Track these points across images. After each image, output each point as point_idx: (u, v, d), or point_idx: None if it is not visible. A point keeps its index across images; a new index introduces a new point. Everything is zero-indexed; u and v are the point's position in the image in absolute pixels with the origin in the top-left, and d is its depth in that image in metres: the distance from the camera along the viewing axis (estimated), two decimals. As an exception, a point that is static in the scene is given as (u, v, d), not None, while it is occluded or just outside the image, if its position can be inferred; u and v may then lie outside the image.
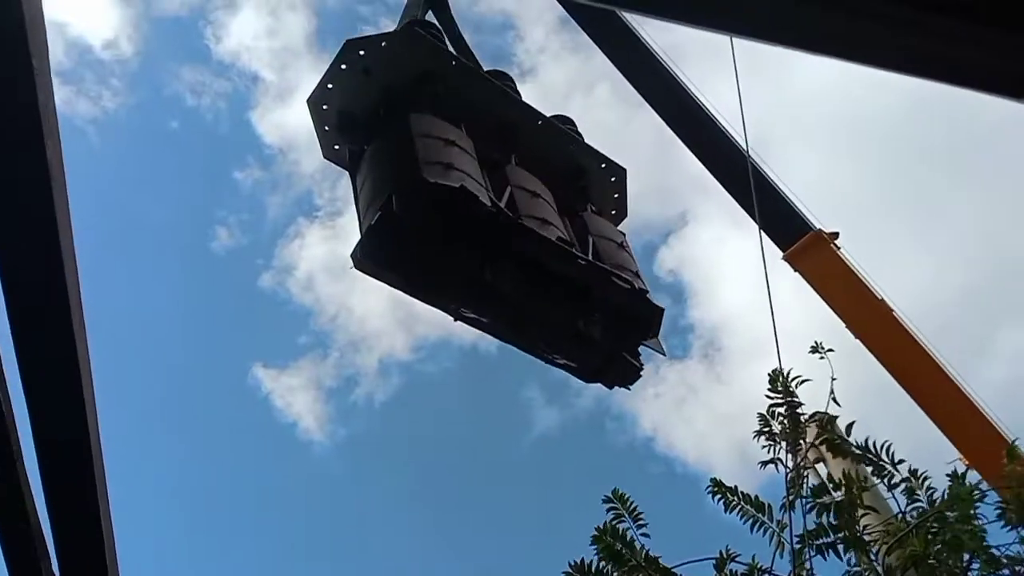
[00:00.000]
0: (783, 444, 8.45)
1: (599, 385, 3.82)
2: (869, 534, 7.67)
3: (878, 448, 8.05)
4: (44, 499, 1.87)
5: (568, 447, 25.98)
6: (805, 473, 8.07)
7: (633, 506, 7.82)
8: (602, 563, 7.39)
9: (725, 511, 8.06)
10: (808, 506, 7.51)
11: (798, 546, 7.41)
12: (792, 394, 8.55)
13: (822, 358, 8.81)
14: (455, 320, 2.94)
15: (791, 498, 7.75)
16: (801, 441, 8.23)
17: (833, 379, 8.56)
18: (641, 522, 7.73)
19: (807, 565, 7.35)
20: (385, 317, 25.79)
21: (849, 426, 8.31)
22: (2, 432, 1.92)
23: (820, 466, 9.02)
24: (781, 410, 8.59)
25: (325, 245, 21.43)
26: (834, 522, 7.43)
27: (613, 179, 3.88)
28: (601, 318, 3.12)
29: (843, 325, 9.33)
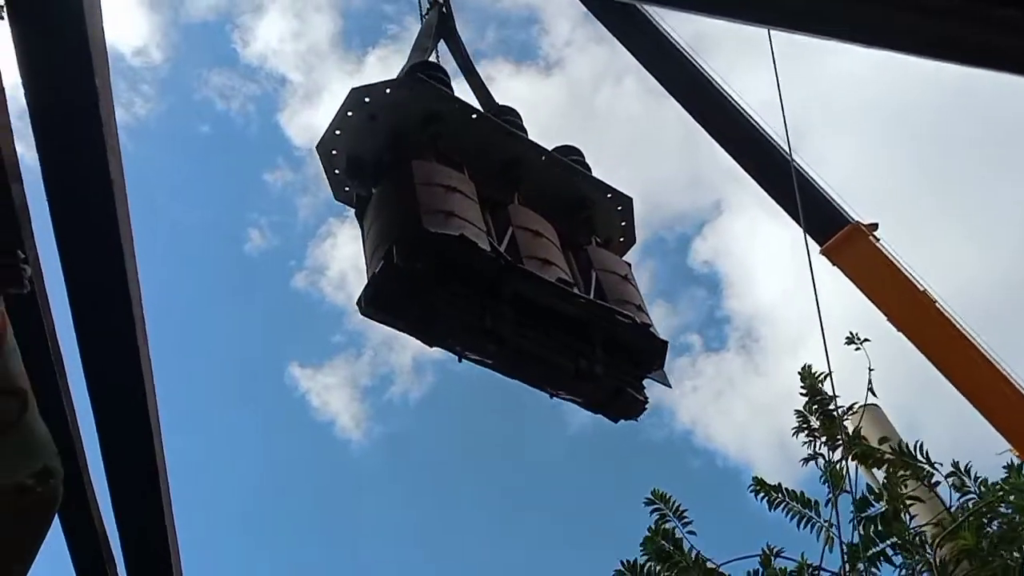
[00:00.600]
0: (822, 440, 8.39)
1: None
2: (919, 532, 7.57)
3: (913, 450, 7.94)
4: (110, 505, 1.93)
5: (605, 443, 25.83)
6: (848, 465, 7.99)
7: (676, 505, 7.81)
8: (651, 563, 7.40)
9: (770, 509, 8.01)
10: (854, 520, 7.45)
11: (846, 555, 7.34)
12: (821, 392, 8.47)
13: (858, 349, 8.73)
14: (460, 361, 3.00)
15: (836, 494, 7.68)
16: (841, 436, 8.16)
17: (871, 370, 8.46)
18: (686, 520, 7.72)
19: (859, 568, 7.28)
20: None
21: (882, 439, 8.20)
22: (67, 442, 1.99)
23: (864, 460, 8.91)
24: (816, 407, 8.52)
25: (356, 244, 21.44)
26: (881, 529, 7.36)
27: (619, 208, 3.90)
28: (603, 354, 3.15)
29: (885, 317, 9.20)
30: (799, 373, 8.76)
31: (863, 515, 7.40)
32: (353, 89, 3.30)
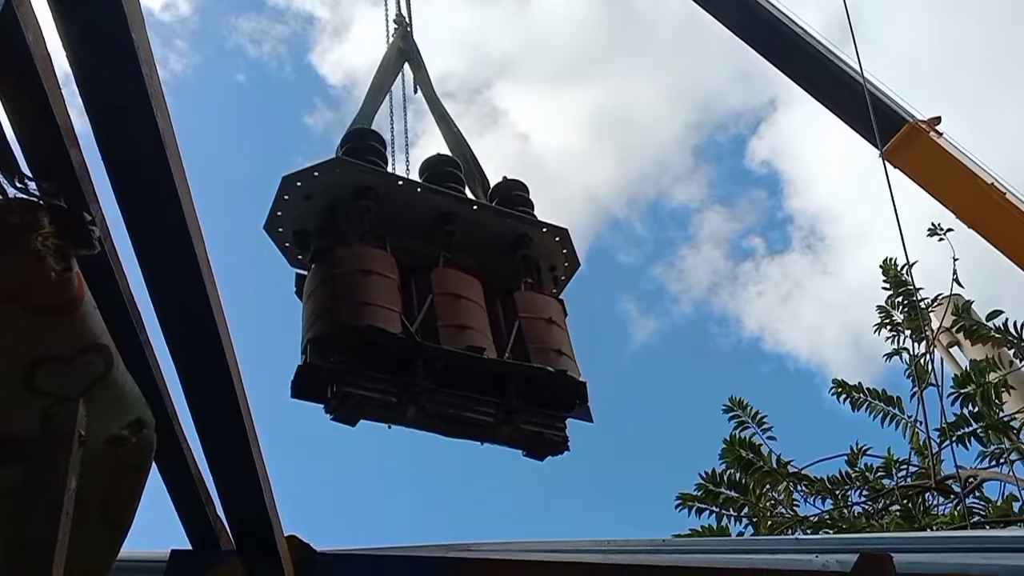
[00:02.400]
0: (907, 334, 8.20)
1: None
2: (1013, 417, 7.41)
3: (1019, 329, 7.70)
4: (202, 451, 2.02)
5: (671, 356, 25.69)
6: (936, 358, 7.82)
7: (754, 411, 7.79)
8: (732, 472, 7.43)
9: (853, 410, 7.93)
10: (949, 396, 7.31)
11: (937, 438, 7.23)
12: (905, 283, 8.24)
13: (941, 239, 8.43)
14: (389, 428, 3.27)
15: (922, 387, 7.54)
16: (927, 328, 7.96)
17: (955, 259, 8.20)
18: (766, 426, 7.71)
19: (942, 456, 7.18)
20: None
21: (991, 315, 7.96)
22: (156, 394, 2.08)
23: (953, 350, 8.71)
24: (901, 299, 8.31)
25: None
26: (975, 410, 7.21)
27: (557, 239, 4.08)
28: (520, 404, 3.39)
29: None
30: (881, 267, 8.55)
31: (954, 393, 7.28)
32: (284, 177, 3.68)
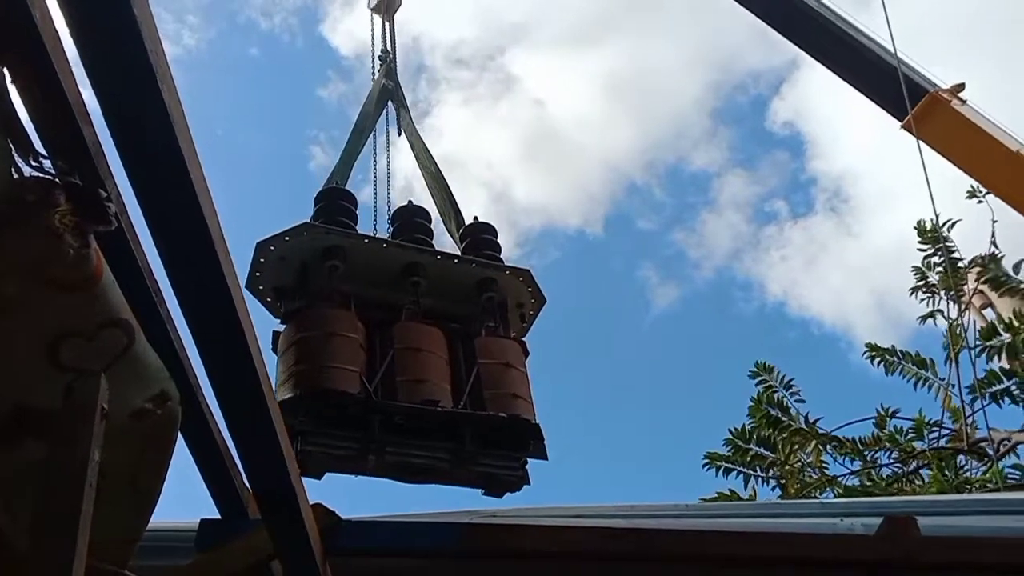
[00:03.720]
0: (942, 295, 8.09)
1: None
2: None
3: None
4: (224, 421, 2.05)
5: (693, 322, 25.44)
6: (969, 320, 7.71)
7: (782, 375, 7.76)
8: (760, 431, 7.42)
9: (886, 373, 7.85)
10: (977, 349, 7.21)
11: (969, 396, 7.14)
12: (945, 239, 8.09)
13: (980, 202, 8.28)
14: (355, 476, 3.56)
15: (956, 349, 7.45)
16: (962, 288, 7.84)
17: (994, 221, 8.05)
18: (794, 389, 7.67)
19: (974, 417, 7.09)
20: (486, 215, 25.78)
21: (1017, 265, 7.83)
22: (178, 367, 2.11)
23: (988, 312, 8.56)
24: (937, 260, 8.18)
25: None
26: (1006, 366, 7.12)
27: (521, 279, 4.36)
28: (476, 448, 3.65)
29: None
30: (915, 227, 8.41)
31: (988, 343, 7.18)
32: (258, 242, 3.99)
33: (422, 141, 5.89)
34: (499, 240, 4.70)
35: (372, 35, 6.94)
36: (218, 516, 2.58)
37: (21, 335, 1.76)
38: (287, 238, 4.04)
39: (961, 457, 7.17)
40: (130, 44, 1.23)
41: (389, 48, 6.82)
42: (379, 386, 3.63)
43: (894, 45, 7.99)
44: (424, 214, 4.79)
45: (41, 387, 1.78)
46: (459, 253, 4.62)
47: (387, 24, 7.02)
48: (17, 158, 1.56)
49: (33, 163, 1.59)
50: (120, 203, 1.81)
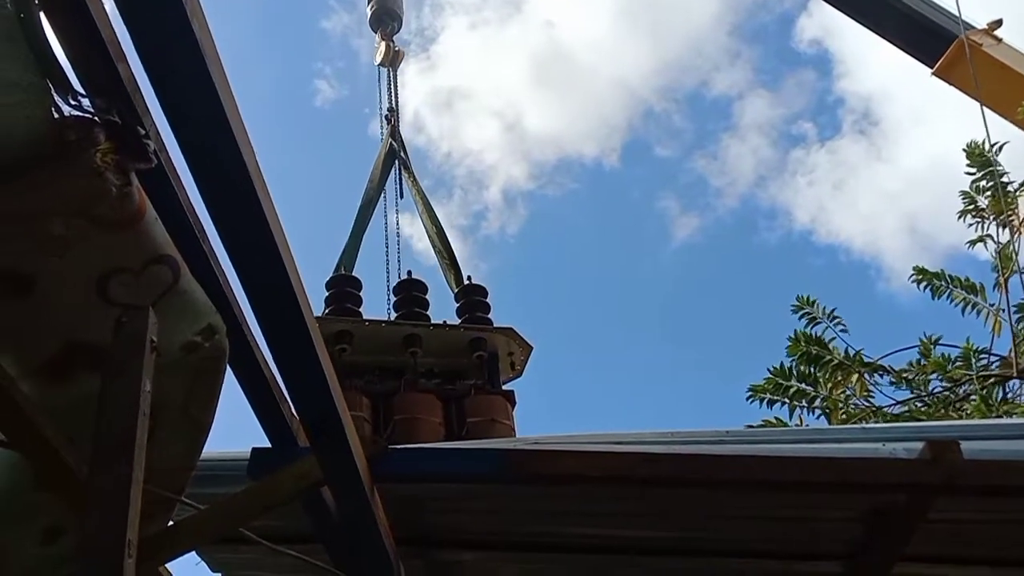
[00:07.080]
0: (991, 219, 7.86)
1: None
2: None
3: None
4: (269, 352, 2.11)
5: (715, 253, 24.50)
6: (1021, 244, 7.51)
7: (824, 307, 7.66)
8: (801, 367, 7.38)
9: (933, 298, 7.71)
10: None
11: (1020, 324, 7.01)
12: (994, 163, 7.82)
13: (1028, 126, 7.91)
14: None
15: (1007, 274, 7.28)
16: (1013, 212, 7.61)
17: (1048, 140, 7.72)
18: (838, 321, 7.58)
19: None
20: (498, 148, 25.37)
21: None
22: (224, 301, 2.16)
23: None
24: (984, 184, 7.93)
25: (423, 79, 21.08)
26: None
27: (506, 336, 5.22)
28: None
29: None
30: (964, 150, 8.11)
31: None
32: None
33: (425, 198, 6.76)
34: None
35: (380, 92, 7.66)
36: (269, 445, 2.67)
37: (70, 274, 1.81)
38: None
39: (1014, 382, 7.07)
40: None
41: (393, 105, 7.48)
42: None
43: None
44: (420, 286, 5.79)
45: (92, 323, 1.84)
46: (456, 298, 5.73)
47: (392, 76, 7.64)
48: (56, 97, 1.59)
49: (72, 102, 1.61)
50: (159, 140, 1.84)
